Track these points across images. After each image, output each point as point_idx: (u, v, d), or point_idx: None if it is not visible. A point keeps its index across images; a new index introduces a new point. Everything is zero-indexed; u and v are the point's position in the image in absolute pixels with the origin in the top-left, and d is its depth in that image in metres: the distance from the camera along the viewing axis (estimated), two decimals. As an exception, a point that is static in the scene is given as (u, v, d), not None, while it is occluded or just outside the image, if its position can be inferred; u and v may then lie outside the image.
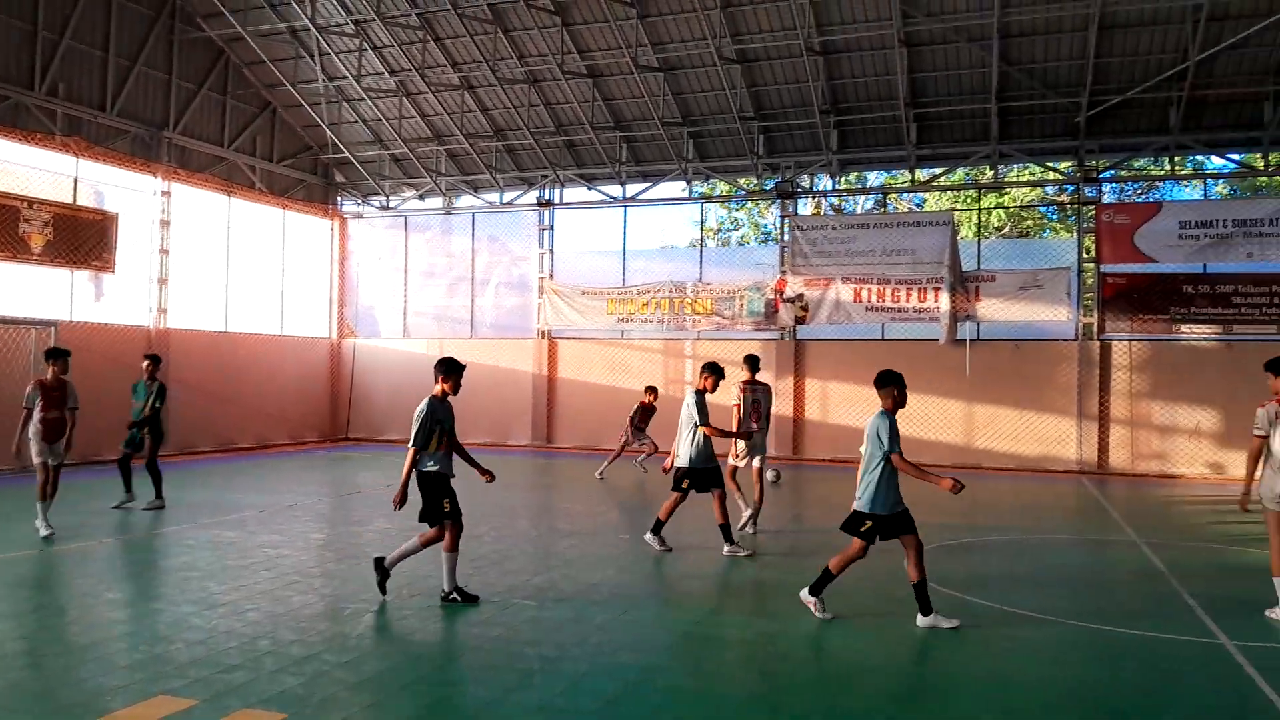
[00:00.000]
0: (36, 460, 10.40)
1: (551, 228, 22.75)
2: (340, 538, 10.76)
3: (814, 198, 22.07)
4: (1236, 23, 15.93)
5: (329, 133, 21.97)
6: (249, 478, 16.30)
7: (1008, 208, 27.00)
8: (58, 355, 10.74)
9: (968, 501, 14.46)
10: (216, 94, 20.77)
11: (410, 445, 7.60)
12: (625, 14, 18.09)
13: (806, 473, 17.51)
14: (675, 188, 22.13)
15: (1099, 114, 17.97)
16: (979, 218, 23.20)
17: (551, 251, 22.69)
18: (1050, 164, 19.70)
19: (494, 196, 23.32)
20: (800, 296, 19.93)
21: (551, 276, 22.49)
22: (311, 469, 18.14)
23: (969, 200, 25.60)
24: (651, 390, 17.00)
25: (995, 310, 18.68)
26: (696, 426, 9.81)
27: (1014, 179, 22.06)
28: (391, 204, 24.08)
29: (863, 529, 7.21)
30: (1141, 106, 18.09)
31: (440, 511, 7.63)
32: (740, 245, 31.31)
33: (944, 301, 18.54)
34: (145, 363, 12.59)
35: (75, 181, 17.50)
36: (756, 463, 11.18)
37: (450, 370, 7.81)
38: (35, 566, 8.96)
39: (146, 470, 12.33)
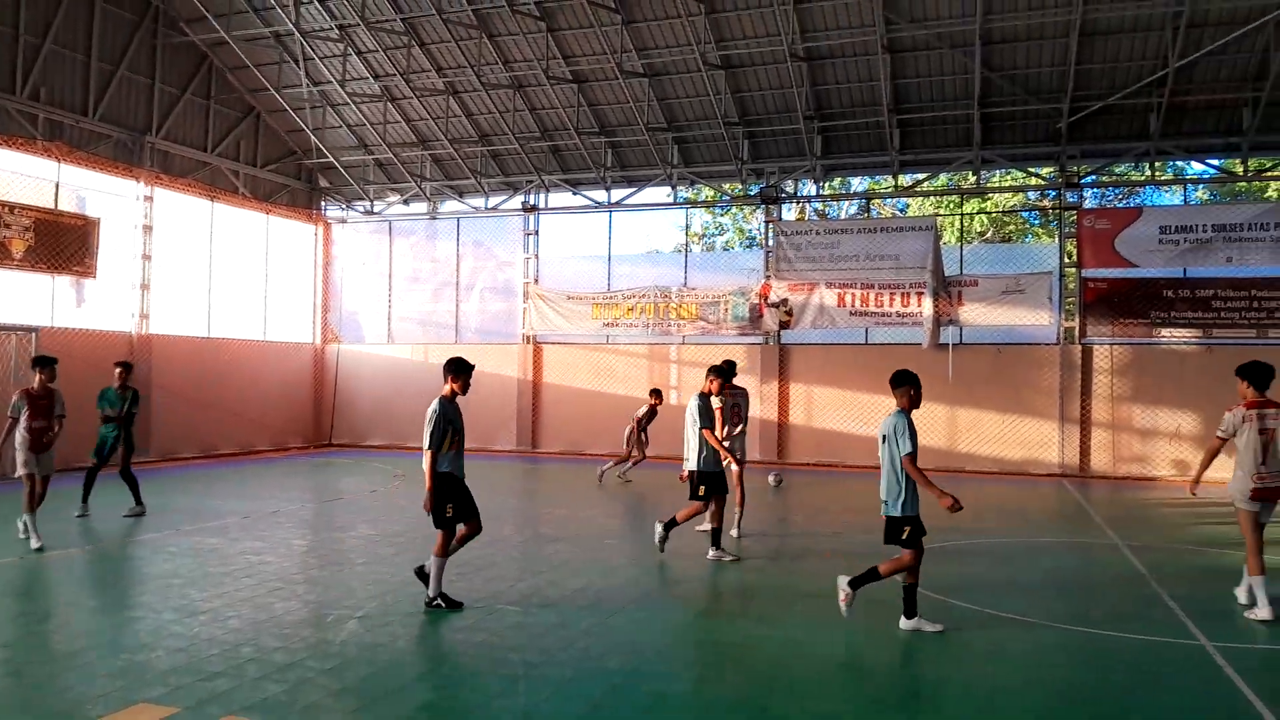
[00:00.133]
0: (22, 470, 10.16)
1: (536, 233, 22.74)
2: (323, 544, 10.72)
3: (798, 203, 22.14)
4: (1216, 29, 16.10)
5: (313, 137, 21.93)
6: (231, 484, 16.21)
7: (990, 213, 27.19)
8: (45, 363, 10.58)
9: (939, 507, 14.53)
10: (200, 99, 20.69)
11: (426, 448, 7.52)
12: (610, 20, 18.12)
13: (791, 477, 17.55)
14: (660, 193, 22.17)
15: (1080, 120, 18.11)
16: (962, 223, 23.35)
17: (537, 256, 22.68)
18: (1032, 169, 19.84)
19: (479, 201, 23.30)
20: (785, 301, 19.99)
21: (537, 281, 22.48)
22: (294, 475, 18.05)
23: (952, 205, 25.74)
24: (656, 394, 16.96)
25: (978, 315, 18.79)
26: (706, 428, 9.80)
27: (996, 184, 22.19)
28: (376, 209, 24.02)
29: (905, 537, 7.08)
30: (1122, 112, 18.25)
31: (442, 516, 7.60)
32: (725, 250, 31.38)
33: (927, 306, 18.63)
34: (117, 369, 12.42)
35: (57, 186, 17.39)
36: (735, 467, 11.23)
37: (459, 370, 7.78)
38: (15, 574, 8.88)
39: (121, 478, 12.24)
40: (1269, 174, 19.54)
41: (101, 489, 12.50)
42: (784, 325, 20.09)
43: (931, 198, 24.97)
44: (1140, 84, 17.17)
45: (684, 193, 22.14)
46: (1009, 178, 21.18)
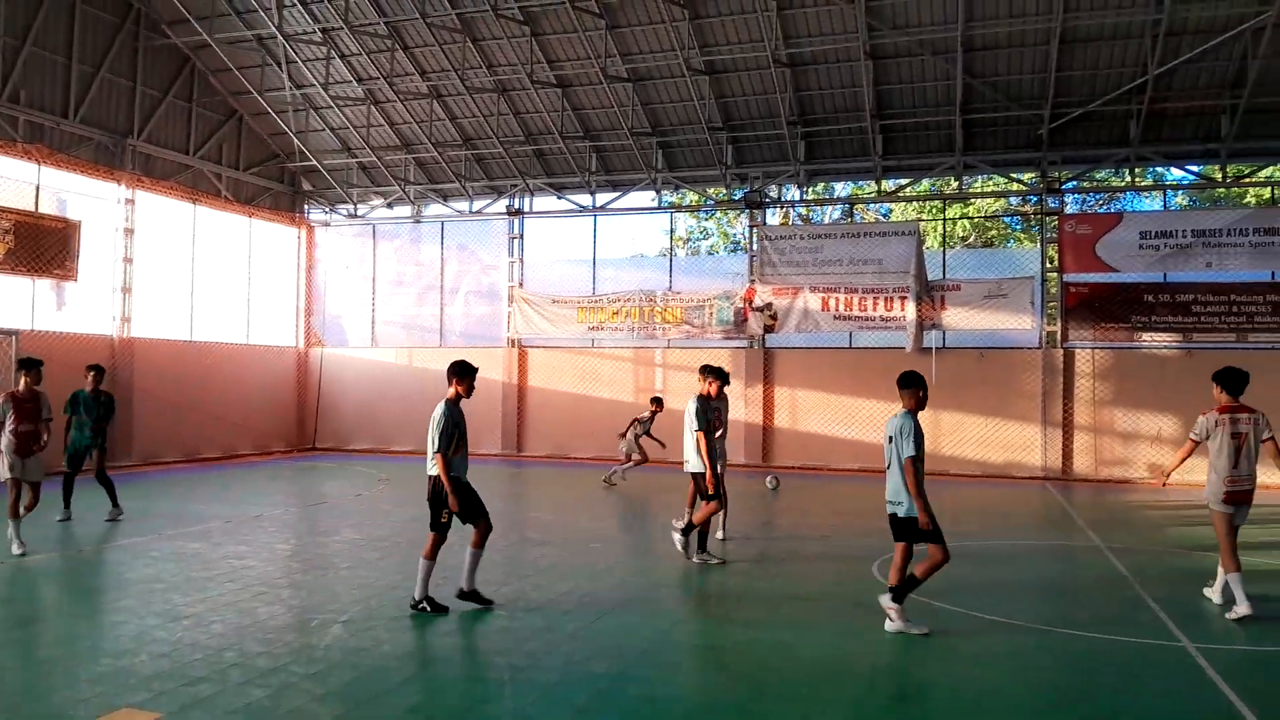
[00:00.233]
0: (8, 475, 10.03)
1: (521, 236, 22.72)
2: (307, 549, 10.67)
3: (782, 208, 22.22)
4: (1194, 38, 16.27)
5: (296, 141, 21.85)
6: (214, 488, 16.11)
7: (972, 218, 27.32)
8: (30, 365, 10.43)
9: (934, 509, 14.60)
10: (182, 101, 20.59)
11: (436, 452, 7.50)
12: (594, 25, 18.15)
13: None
14: (645, 197, 22.20)
15: (1061, 126, 18.26)
16: (944, 228, 23.46)
17: (521, 260, 22.66)
18: (1014, 175, 19.99)
19: (463, 205, 23.27)
20: (769, 305, 20.05)
21: (521, 285, 22.47)
22: (278, 479, 17.96)
23: (934, 211, 25.84)
24: (657, 402, 16.89)
25: (960, 319, 18.91)
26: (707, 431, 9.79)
27: (978, 190, 22.35)
28: (359, 212, 23.95)
29: (933, 531, 7.07)
30: (1102, 119, 18.41)
31: (437, 520, 7.62)
32: (710, 254, 31.41)
33: (910, 310, 18.73)
34: (90, 373, 12.26)
35: (37, 189, 17.27)
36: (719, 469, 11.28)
37: (464, 372, 7.77)
38: (-5, 580, 8.80)
39: (98, 481, 12.14)
40: (1247, 180, 19.77)
41: (82, 493, 12.42)
42: (768, 329, 20.15)
43: (914, 203, 25.05)
44: (1120, 91, 17.33)
45: (668, 197, 22.19)
46: (991, 183, 21.33)
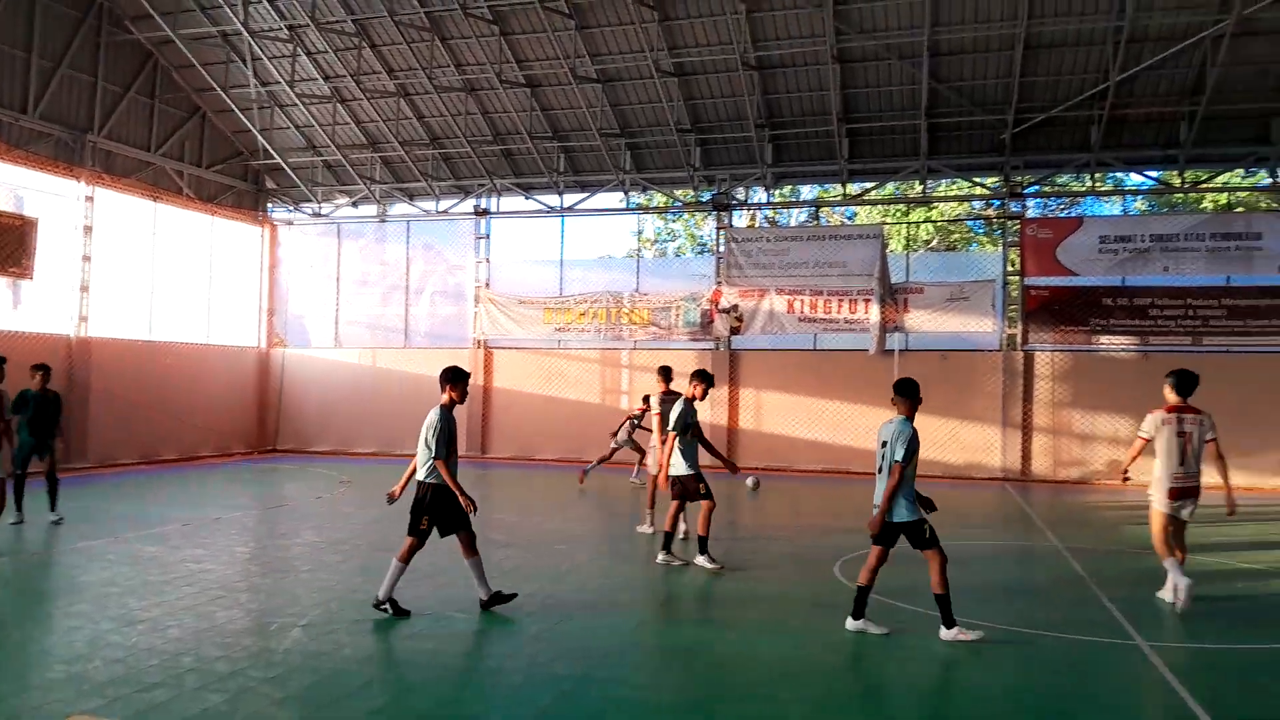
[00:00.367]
0: None
1: (488, 236, 22.63)
2: (266, 552, 10.56)
3: (749, 210, 22.32)
4: (1155, 45, 16.54)
5: (260, 138, 21.61)
6: (172, 490, 15.89)
7: (936, 222, 27.61)
8: None
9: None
10: (144, 97, 20.29)
11: (434, 457, 7.51)
12: (563, 25, 18.12)
13: (723, 480, 17.62)
14: (613, 198, 22.20)
15: (1024, 131, 18.49)
16: (908, 231, 23.71)
17: (488, 260, 22.57)
18: (977, 179, 20.21)
19: (429, 204, 23.14)
20: (735, 307, 20.12)
21: (488, 285, 22.37)
22: (237, 481, 17.75)
23: (898, 214, 26.13)
24: (649, 401, 16.91)
25: (923, 321, 19.09)
26: (685, 433, 9.74)
27: (942, 194, 22.58)
28: (324, 211, 23.72)
29: (928, 537, 7.07)
30: (1064, 124, 18.66)
31: (416, 525, 7.59)
32: (677, 256, 31.50)
33: (874, 313, 18.89)
34: (37, 373, 12.00)
35: (-8, 185, 16.95)
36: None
37: (457, 378, 7.77)
38: (-55, 583, 8.63)
39: (47, 480, 11.91)
40: (1204, 186, 20.12)
41: (35, 495, 12.14)
42: (734, 331, 20.22)
43: (879, 206, 25.31)
44: (1082, 97, 17.58)
45: (636, 198, 22.20)
46: (954, 187, 21.57)
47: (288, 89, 20.38)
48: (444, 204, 23.02)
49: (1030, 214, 19.70)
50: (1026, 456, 18.96)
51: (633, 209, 22.65)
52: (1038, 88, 17.95)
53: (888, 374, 19.10)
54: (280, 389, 23.52)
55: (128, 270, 19.97)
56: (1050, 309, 18.78)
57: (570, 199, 22.04)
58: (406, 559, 7.60)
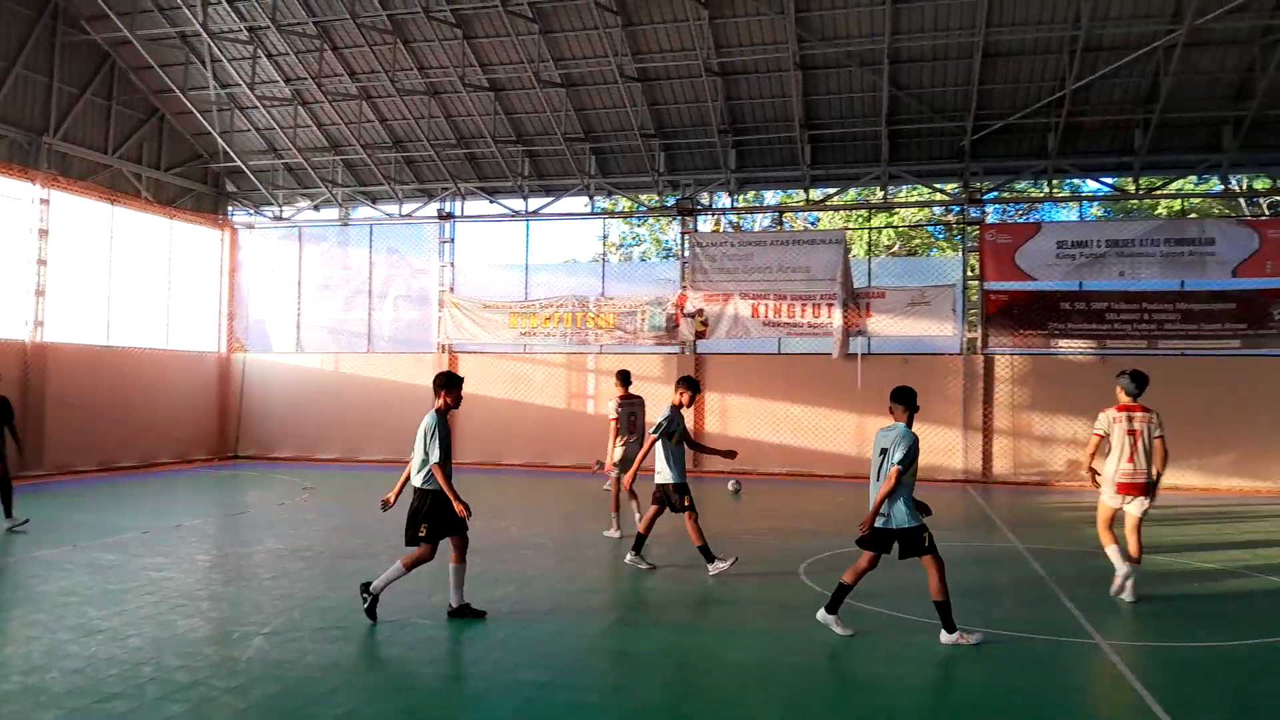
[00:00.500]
0: None
1: (452, 240, 22.53)
2: (228, 559, 10.43)
3: (713, 215, 22.42)
4: (1110, 54, 16.85)
5: (220, 141, 21.36)
6: (132, 498, 15.66)
7: (897, 227, 27.93)
8: None
9: (858, 511, 14.85)
10: (101, 99, 19.98)
11: (434, 462, 7.45)
12: (527, 29, 18.11)
13: (707, 485, 17.71)
14: (578, 202, 22.21)
15: (983, 138, 18.76)
16: (870, 236, 23.94)
17: (452, 264, 22.47)
18: (937, 185, 20.46)
19: (393, 208, 22.99)
20: (700, 311, 20.21)
21: (452, 290, 22.27)
22: (198, 488, 17.53)
23: (860, 219, 26.37)
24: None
25: (885, 325, 19.30)
26: (671, 439, 9.73)
27: (903, 199, 22.82)
28: (285, 214, 23.49)
29: (928, 544, 7.09)
30: (1022, 131, 18.96)
31: (415, 533, 7.55)
32: (642, 261, 31.60)
33: (837, 317, 19.07)
34: None
35: (-57, 187, 16.61)
36: (625, 477, 11.56)
37: (451, 383, 7.76)
38: (-105, 595, 8.44)
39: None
40: (1158, 192, 20.55)
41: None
42: (699, 335, 20.30)
43: (841, 211, 25.55)
44: (1039, 104, 17.87)
45: (601, 203, 22.22)
46: (915, 193, 21.81)
47: (248, 91, 20.18)
48: (407, 207, 22.89)
49: (989, 220, 19.98)
50: (987, 459, 19.22)
51: (598, 213, 22.69)
52: (996, 95, 18.23)
53: (851, 378, 19.35)
54: (241, 394, 23.24)
55: (85, 274, 19.65)
56: (1009, 313, 19.05)
57: (535, 203, 22.02)
58: (411, 566, 7.59)
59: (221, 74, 20.09)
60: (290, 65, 19.95)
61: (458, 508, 7.48)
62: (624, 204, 22.93)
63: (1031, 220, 22.58)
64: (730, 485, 16.62)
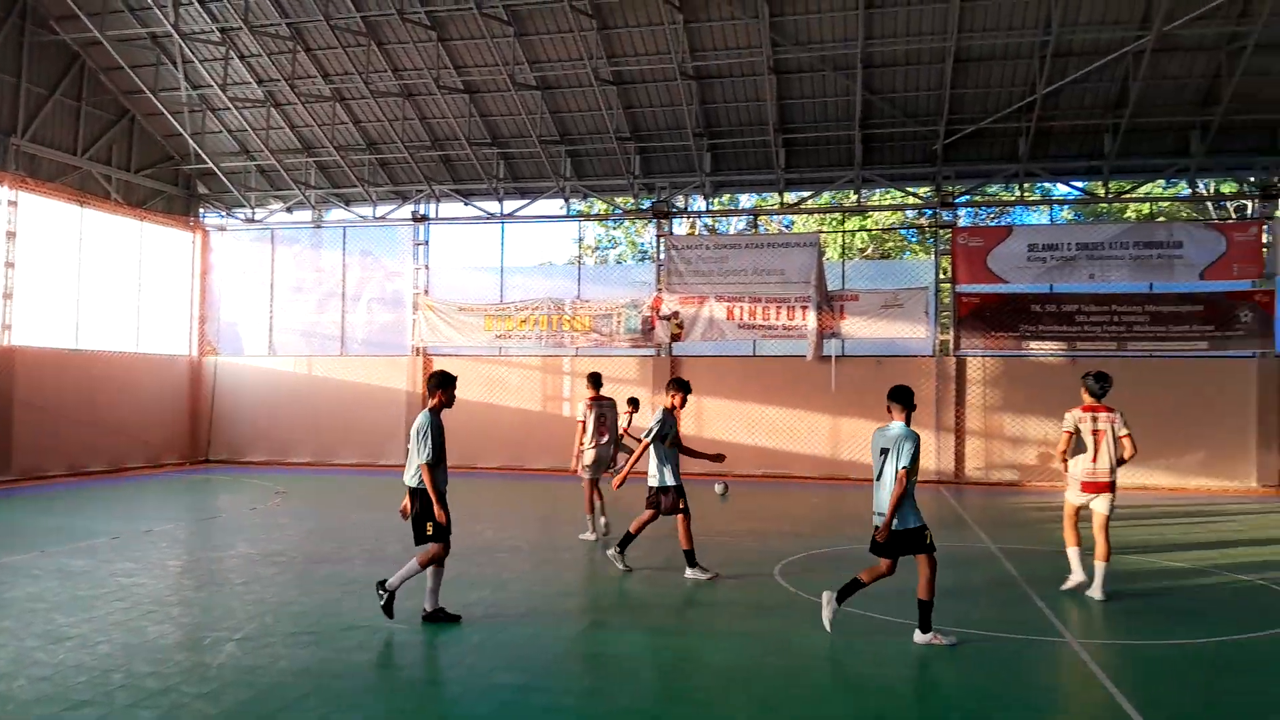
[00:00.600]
0: None
1: (427, 243, 22.44)
2: (199, 565, 10.33)
3: (689, 218, 22.47)
4: (1080, 59, 17.05)
5: (191, 142, 21.15)
6: (102, 503, 15.47)
7: (870, 230, 28.09)
8: None
9: (833, 512, 14.94)
10: (70, 100, 19.75)
11: (423, 462, 7.45)
12: (502, 32, 18.07)
13: (692, 487, 17.67)
14: (553, 205, 22.17)
15: (955, 142, 18.92)
16: (844, 239, 24.08)
17: (427, 267, 22.37)
18: (910, 189, 20.62)
19: (366, 210, 22.86)
20: (676, 314, 20.25)
21: (427, 292, 22.18)
22: (170, 493, 17.35)
23: (834, 222, 26.52)
24: (633, 403, 16.97)
25: (859, 328, 19.42)
26: (664, 442, 9.70)
27: (876, 203, 22.96)
28: (257, 216, 23.31)
29: (929, 541, 7.18)
30: (994, 136, 19.14)
31: (423, 533, 7.56)
32: (618, 263, 31.60)
33: (811, 319, 19.16)
34: None
35: (-93, 188, 16.35)
36: (586, 477, 11.64)
37: (444, 383, 7.74)
38: None
39: None
40: (1127, 196, 20.76)
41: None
42: (675, 337, 20.35)
43: (815, 215, 25.68)
44: (1010, 109, 18.05)
45: (577, 205, 22.20)
46: (888, 196, 21.95)
47: (220, 93, 20.01)
48: (381, 210, 22.77)
49: (961, 223, 20.17)
50: (960, 459, 19.37)
51: (573, 216, 22.67)
52: (968, 100, 18.39)
53: (825, 380, 19.45)
54: (213, 398, 23.03)
55: (53, 277, 19.41)
56: (981, 315, 19.22)
57: (510, 205, 21.97)
58: (426, 564, 7.62)
59: (193, 75, 19.92)
60: (263, 66, 19.81)
61: (437, 512, 7.47)
62: (599, 207, 22.91)
63: (1003, 224, 22.81)
64: (717, 488, 16.65)
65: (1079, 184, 19.96)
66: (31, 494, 16.27)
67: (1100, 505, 8.90)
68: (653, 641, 7.40)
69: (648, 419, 10.65)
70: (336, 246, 22.96)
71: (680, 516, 9.64)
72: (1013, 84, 17.96)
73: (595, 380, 12.32)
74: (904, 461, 7.05)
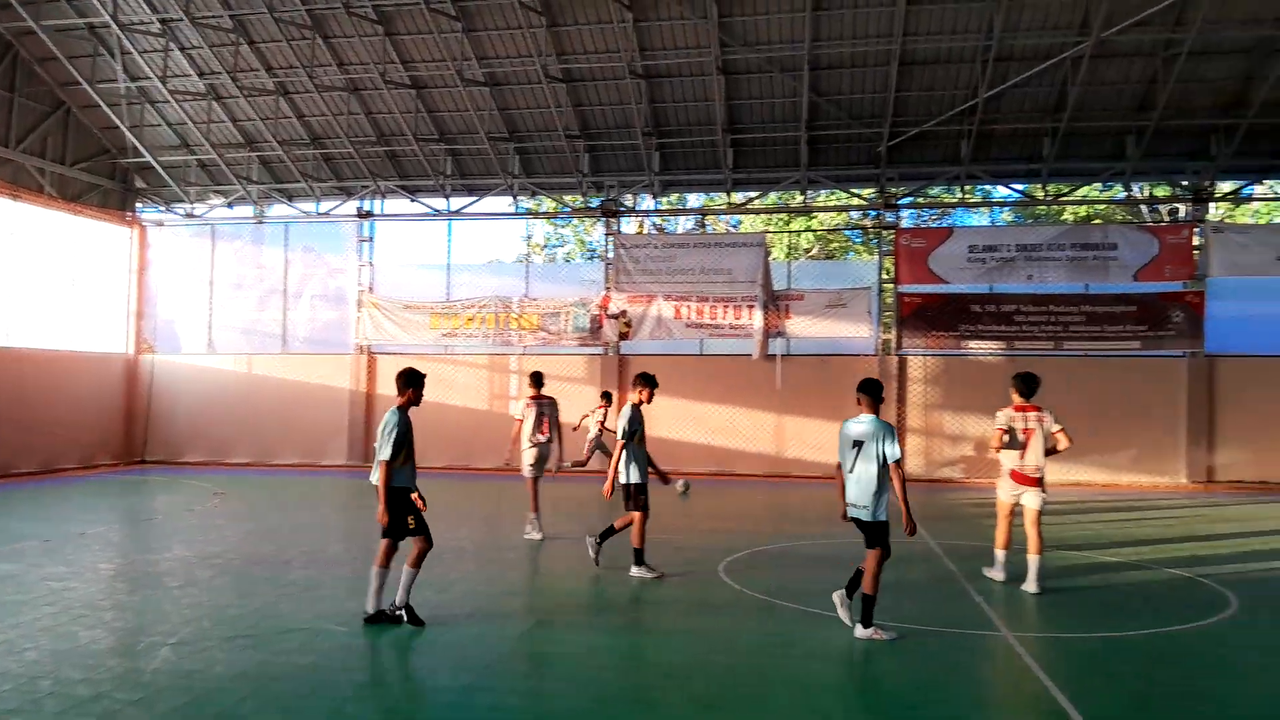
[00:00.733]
0: None
1: (371, 239, 22.16)
2: (134, 567, 10.09)
3: (637, 217, 22.48)
4: (1020, 64, 17.37)
5: (129, 136, 20.64)
6: (31, 505, 15.05)
7: (816, 231, 28.36)
8: None
9: (777, 510, 15.07)
10: (3, 91, 19.13)
11: (380, 459, 7.39)
12: (450, 27, 17.91)
13: (653, 485, 17.75)
14: (502, 202, 22.03)
15: (899, 144, 19.16)
16: (789, 240, 24.30)
17: (371, 264, 22.10)
18: (854, 190, 20.85)
19: (309, 206, 22.50)
20: (624, 313, 20.25)
21: (371, 290, 21.91)
22: (103, 494, 16.93)
23: (780, 223, 26.76)
24: (605, 397, 17.33)
25: (804, 327, 19.60)
26: (632, 439, 9.67)
27: (821, 204, 23.19)
28: (197, 212, 22.82)
29: (887, 539, 7.32)
30: (937, 138, 19.42)
31: (404, 528, 7.52)
32: (567, 261, 31.47)
33: (757, 319, 19.29)
34: None
35: None
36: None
37: (412, 381, 7.73)
38: None
39: None
40: (1065, 198, 21.25)
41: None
42: (623, 336, 20.35)
43: (762, 215, 25.87)
44: (953, 112, 18.33)
45: (525, 203, 22.09)
46: (833, 197, 22.17)
47: (159, 85, 19.56)
48: (325, 205, 22.43)
49: (904, 224, 20.45)
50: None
51: (521, 214, 22.55)
52: (911, 103, 18.65)
53: (770, 378, 19.60)
54: (149, 397, 22.51)
55: (-19, 272, 18.83)
56: (923, 315, 19.51)
57: (457, 202, 21.79)
58: (416, 564, 7.65)
59: (131, 67, 19.45)
60: (204, 59, 19.41)
61: (379, 511, 7.40)
62: (548, 204, 22.82)
63: (944, 225, 23.19)
64: (678, 485, 16.68)
65: (1019, 186, 20.35)
66: (-42, 496, 15.78)
67: (1031, 500, 9.20)
68: (597, 640, 7.40)
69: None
70: (279, 243, 22.57)
71: (638, 515, 9.67)
72: (955, 87, 18.25)
73: (537, 379, 12.45)
74: (896, 454, 7.28)
